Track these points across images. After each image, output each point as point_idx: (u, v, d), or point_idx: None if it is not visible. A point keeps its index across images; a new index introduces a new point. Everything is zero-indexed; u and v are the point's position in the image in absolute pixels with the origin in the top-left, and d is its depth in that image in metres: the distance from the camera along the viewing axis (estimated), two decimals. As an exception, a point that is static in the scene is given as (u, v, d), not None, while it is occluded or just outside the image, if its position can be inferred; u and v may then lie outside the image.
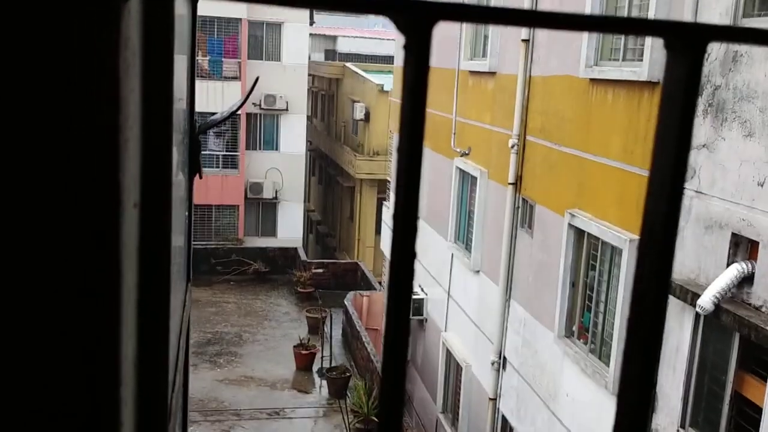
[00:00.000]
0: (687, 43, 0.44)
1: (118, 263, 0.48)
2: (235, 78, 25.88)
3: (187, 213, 1.71)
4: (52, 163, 0.45)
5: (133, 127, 0.53)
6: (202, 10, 26.96)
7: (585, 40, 8.84)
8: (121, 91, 0.44)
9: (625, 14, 8.33)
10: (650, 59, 7.55)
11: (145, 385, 0.77)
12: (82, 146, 0.45)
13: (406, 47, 0.42)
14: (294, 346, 18.39)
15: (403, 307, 0.47)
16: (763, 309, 5.94)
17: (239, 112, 25.46)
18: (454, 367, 13.48)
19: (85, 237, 0.46)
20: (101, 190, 0.46)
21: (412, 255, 0.46)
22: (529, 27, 0.42)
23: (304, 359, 18.12)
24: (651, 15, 7.53)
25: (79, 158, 0.45)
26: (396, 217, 0.43)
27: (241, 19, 25.99)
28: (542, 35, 10.27)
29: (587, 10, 8.75)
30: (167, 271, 0.86)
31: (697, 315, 6.57)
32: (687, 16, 6.99)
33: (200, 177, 1.81)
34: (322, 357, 18.10)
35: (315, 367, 18.17)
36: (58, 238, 0.45)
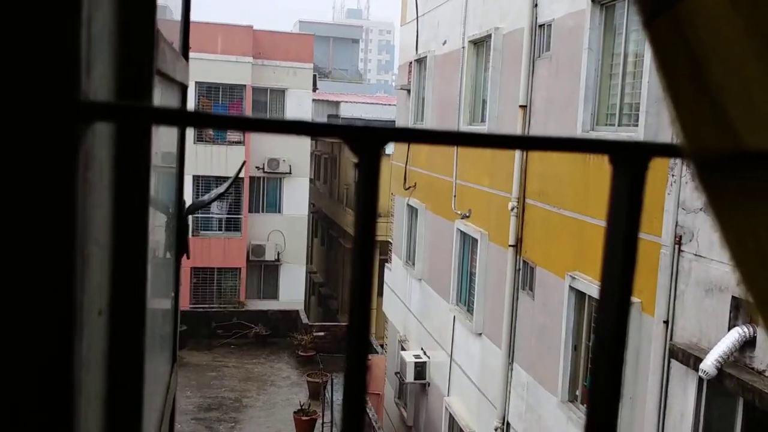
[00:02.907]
0: (630, 159, 0.46)
1: (70, 375, 0.49)
2: (238, 143, 26.19)
3: (174, 294, 1.72)
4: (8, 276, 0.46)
5: (99, 239, 0.55)
6: (207, 76, 27.04)
7: (581, 105, 8.98)
8: (77, 210, 0.46)
9: (619, 83, 8.48)
10: (645, 124, 7.64)
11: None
12: (37, 265, 0.46)
13: (357, 166, 0.44)
14: (294, 412, 18.07)
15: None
16: (767, 373, 5.86)
17: (242, 175, 25.68)
18: (457, 433, 13.23)
19: (38, 349, 0.47)
20: (57, 303, 0.47)
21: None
22: (471, 147, 0.43)
23: (305, 426, 17.78)
24: (645, 81, 7.66)
25: (34, 271, 0.46)
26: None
27: (245, 85, 26.46)
28: (540, 101, 10.44)
29: (582, 77, 8.91)
30: (141, 374, 0.86)
31: (701, 380, 6.48)
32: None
33: (188, 257, 1.83)
34: (323, 423, 17.76)
35: (316, 434, 17.85)
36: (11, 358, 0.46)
